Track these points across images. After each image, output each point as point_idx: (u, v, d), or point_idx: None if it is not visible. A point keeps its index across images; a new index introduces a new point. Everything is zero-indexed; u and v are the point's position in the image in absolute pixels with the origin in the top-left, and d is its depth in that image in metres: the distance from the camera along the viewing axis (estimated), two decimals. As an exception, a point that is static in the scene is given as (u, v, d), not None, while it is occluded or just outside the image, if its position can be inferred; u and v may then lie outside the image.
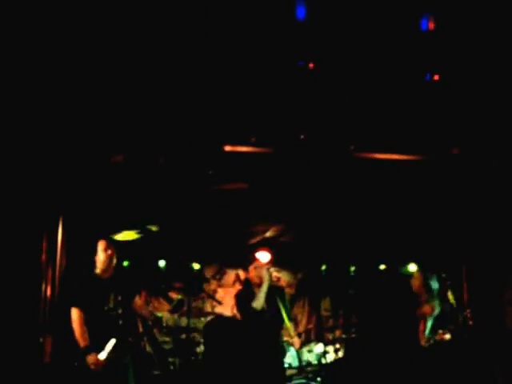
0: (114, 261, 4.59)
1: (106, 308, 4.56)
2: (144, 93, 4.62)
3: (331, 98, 5.04)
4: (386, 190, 5.83)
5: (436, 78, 4.92)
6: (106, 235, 4.75)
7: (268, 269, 5.10)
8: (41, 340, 4.22)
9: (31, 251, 4.31)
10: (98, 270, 4.57)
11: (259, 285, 5.11)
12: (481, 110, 4.98)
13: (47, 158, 4.46)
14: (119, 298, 4.58)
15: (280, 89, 4.93)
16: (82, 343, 4.36)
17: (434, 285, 5.95)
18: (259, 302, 5.02)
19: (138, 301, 4.82)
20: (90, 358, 4.33)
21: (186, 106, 4.83)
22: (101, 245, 4.55)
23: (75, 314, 4.45)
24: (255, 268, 5.22)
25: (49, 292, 4.33)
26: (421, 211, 6.21)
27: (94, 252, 4.53)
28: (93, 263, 4.55)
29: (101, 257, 4.54)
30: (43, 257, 4.35)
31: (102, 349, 4.42)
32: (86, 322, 4.43)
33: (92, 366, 4.31)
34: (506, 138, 5.15)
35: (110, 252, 4.55)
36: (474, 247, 6.54)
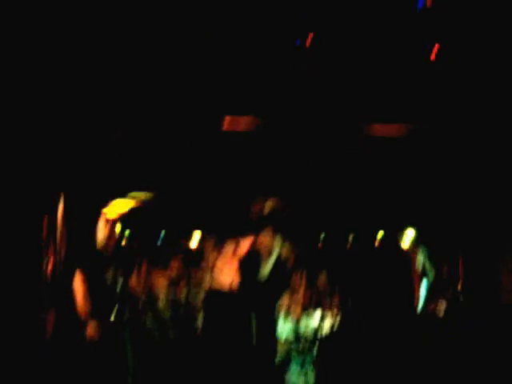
0: (115, 238, 4.71)
1: (105, 283, 4.71)
2: (144, 69, 4.66)
3: (329, 72, 5.06)
4: (383, 162, 5.88)
5: (434, 51, 4.94)
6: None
7: (278, 241, 5.09)
8: (43, 315, 4.34)
9: (32, 228, 4.40)
10: (98, 246, 4.69)
11: (267, 255, 5.11)
12: (478, 82, 5.01)
13: (48, 135, 4.51)
14: (119, 274, 4.73)
15: (279, 63, 4.95)
16: (83, 311, 4.51)
17: (423, 258, 6.04)
18: (264, 273, 5.05)
19: (134, 280, 4.94)
20: (90, 327, 4.49)
21: (185, 82, 4.87)
22: (101, 222, 4.66)
23: (78, 284, 4.59)
24: (263, 237, 5.20)
25: (50, 268, 4.44)
26: (418, 183, 6.27)
27: (95, 228, 4.65)
28: (94, 239, 4.68)
29: (100, 234, 4.65)
30: (44, 233, 4.44)
31: (101, 320, 4.58)
32: (88, 293, 4.58)
33: (90, 335, 4.48)
34: (504, 111, 5.18)
35: (109, 229, 4.66)
36: (470, 219, 6.61)
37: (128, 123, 5.06)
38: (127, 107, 4.92)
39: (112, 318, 4.63)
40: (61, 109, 4.61)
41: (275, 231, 5.21)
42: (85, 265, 4.70)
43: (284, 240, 5.26)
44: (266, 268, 5.06)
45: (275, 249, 5.09)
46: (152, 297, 5.72)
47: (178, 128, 5.21)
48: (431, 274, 6.24)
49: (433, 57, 4.80)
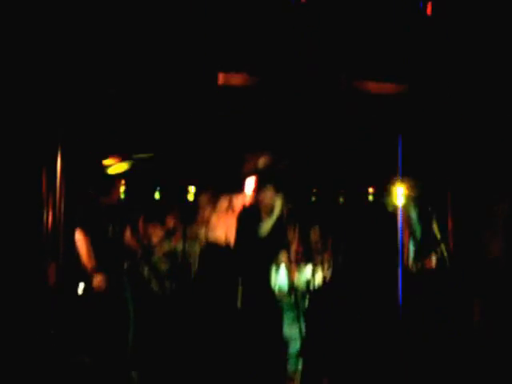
0: (118, 194, 4.86)
1: (106, 235, 4.84)
2: (137, 25, 4.65)
3: (322, 28, 5.08)
4: (374, 118, 5.94)
5: (429, 6, 4.96)
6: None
7: (281, 198, 5.18)
8: (45, 265, 4.43)
9: (32, 181, 4.45)
10: (110, 202, 4.83)
11: (268, 211, 5.20)
12: (470, 40, 5.05)
13: (45, 90, 4.52)
14: (118, 227, 4.85)
15: (272, 18, 4.95)
16: (88, 264, 4.64)
17: (413, 213, 6.16)
18: (265, 229, 5.15)
19: (128, 234, 5.05)
20: (97, 279, 4.63)
21: (179, 38, 4.87)
22: (118, 184, 4.81)
23: (80, 236, 4.70)
24: (264, 194, 5.28)
25: (50, 220, 4.50)
26: (408, 139, 6.34)
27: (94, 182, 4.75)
28: (97, 192, 4.79)
29: (116, 195, 4.80)
30: (44, 186, 4.49)
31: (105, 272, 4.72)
32: (91, 247, 4.71)
33: (97, 287, 4.63)
34: (490, 66, 5.23)
35: (122, 191, 4.84)
36: (460, 176, 6.73)
37: (122, 79, 5.07)
38: (122, 63, 4.92)
39: (114, 271, 4.76)
40: (59, 65, 4.60)
41: (277, 189, 5.29)
42: (86, 220, 4.81)
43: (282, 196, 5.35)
44: (268, 224, 5.17)
45: (277, 206, 5.18)
46: (148, 250, 5.83)
47: (172, 83, 5.22)
48: (419, 230, 6.37)
49: (428, 11, 4.83)
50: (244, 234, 5.26)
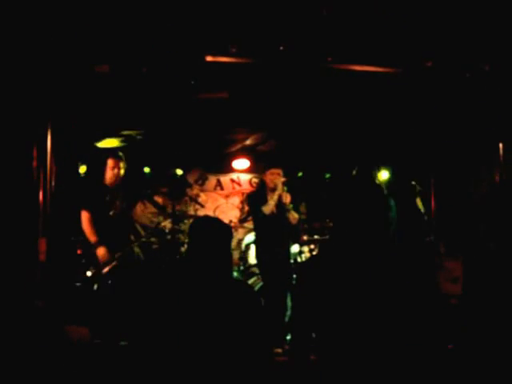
0: (121, 173, 5.17)
1: (109, 213, 5.05)
2: (128, 3, 4.69)
3: (310, 9, 5.12)
4: (361, 100, 6.02)
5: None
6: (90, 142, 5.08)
7: (283, 180, 5.33)
8: (36, 240, 4.54)
9: (23, 158, 4.54)
10: (105, 181, 5.07)
11: (272, 190, 5.35)
12: (454, 22, 5.10)
13: (35, 68, 4.57)
14: (123, 205, 5.09)
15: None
16: (92, 239, 4.97)
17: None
18: (269, 208, 5.28)
19: (138, 209, 5.25)
20: (100, 251, 4.88)
21: (168, 16, 4.91)
22: (109, 163, 5.11)
23: (84, 216, 5.04)
24: (271, 174, 5.42)
25: (41, 196, 4.61)
26: (394, 122, 6.45)
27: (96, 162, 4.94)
28: (101, 174, 5.01)
29: (109, 174, 5.13)
30: (34, 163, 4.59)
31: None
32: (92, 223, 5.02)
33: (101, 258, 4.83)
34: (478, 50, 5.30)
35: (116, 170, 5.14)
36: (443, 157, 6.87)
37: (114, 58, 5.12)
38: (114, 43, 4.97)
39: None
40: (46, 42, 4.64)
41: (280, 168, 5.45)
42: (92, 197, 5.06)
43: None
44: (271, 203, 5.32)
45: (280, 187, 5.34)
46: (137, 226, 5.95)
47: (161, 65, 5.27)
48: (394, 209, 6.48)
49: None
50: (260, 211, 5.37)
